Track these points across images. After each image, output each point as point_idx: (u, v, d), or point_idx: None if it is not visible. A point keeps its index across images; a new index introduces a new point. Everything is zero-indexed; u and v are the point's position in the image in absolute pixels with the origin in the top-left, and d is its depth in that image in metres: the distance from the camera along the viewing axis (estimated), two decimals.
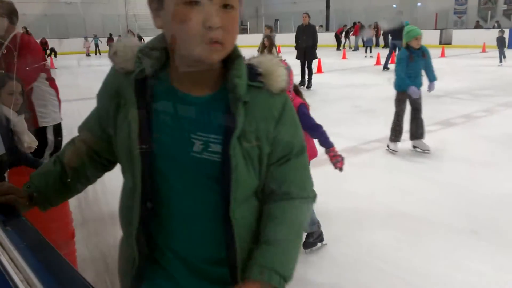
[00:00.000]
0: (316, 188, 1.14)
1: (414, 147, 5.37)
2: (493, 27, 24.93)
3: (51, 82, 3.53)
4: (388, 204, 3.84)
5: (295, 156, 1.07)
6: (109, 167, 1.23)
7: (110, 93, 1.04)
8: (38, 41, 23.20)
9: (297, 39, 10.88)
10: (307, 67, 11.02)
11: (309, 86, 10.87)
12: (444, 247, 3.10)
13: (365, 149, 5.58)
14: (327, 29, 31.27)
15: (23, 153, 2.58)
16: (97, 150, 1.16)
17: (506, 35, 16.06)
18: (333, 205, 3.66)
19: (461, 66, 15.19)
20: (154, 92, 0.98)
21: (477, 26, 25.98)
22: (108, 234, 3.26)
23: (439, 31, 27.09)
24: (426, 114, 7.60)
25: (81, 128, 1.19)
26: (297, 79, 10.21)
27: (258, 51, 10.16)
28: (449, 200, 3.93)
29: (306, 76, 11.08)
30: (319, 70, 13.82)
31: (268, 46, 9.84)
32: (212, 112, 0.98)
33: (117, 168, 1.15)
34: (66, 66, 19.34)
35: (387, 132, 6.32)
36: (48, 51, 22.98)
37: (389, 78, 13.09)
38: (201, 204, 1.02)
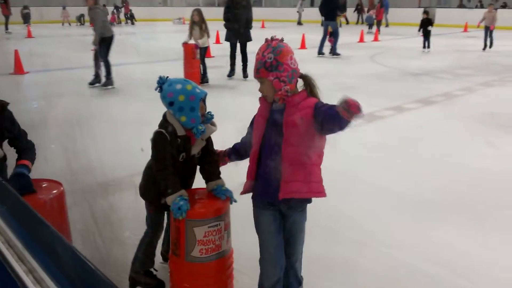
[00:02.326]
0: None
1: None
2: (476, 7, 25.08)
3: None
4: (367, 179, 3.92)
5: None
6: None
7: None
8: (19, 9, 22.43)
9: (227, 16, 8.60)
10: (241, 52, 8.70)
11: (245, 76, 8.77)
12: (422, 221, 3.19)
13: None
14: (312, 4, 30.93)
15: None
16: None
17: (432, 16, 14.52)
18: None
19: (443, 45, 15.31)
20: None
21: (460, 5, 26.07)
22: (96, 203, 3.25)
23: (422, 9, 27.08)
24: (406, 92, 7.74)
25: None
26: (223, 69, 9.07)
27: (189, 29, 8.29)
28: (428, 175, 4.03)
29: (240, 64, 8.80)
30: (303, 46, 13.75)
31: (197, 21, 8.11)
32: None
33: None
34: (44, 35, 18.69)
35: (369, 109, 6.40)
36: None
37: (371, 55, 13.17)
38: None
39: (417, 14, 25.85)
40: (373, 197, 3.59)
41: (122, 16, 28.31)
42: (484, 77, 9.16)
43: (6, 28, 19.80)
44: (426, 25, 13.34)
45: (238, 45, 8.67)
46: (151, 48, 14.04)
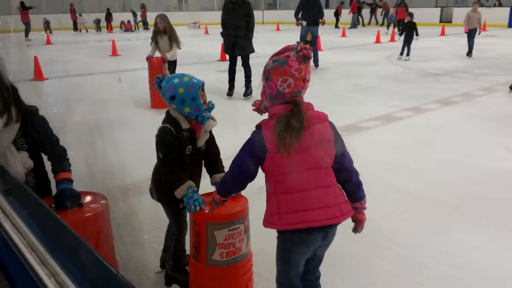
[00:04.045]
0: None
1: None
2: (494, 6, 24.64)
3: None
4: (385, 180, 3.87)
5: None
6: None
7: None
8: (35, 16, 23.10)
9: (224, 24, 7.19)
10: (243, 65, 7.30)
11: (245, 94, 7.34)
12: (440, 222, 3.14)
13: (364, 127, 5.58)
14: (326, 6, 30.81)
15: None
16: None
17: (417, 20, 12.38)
18: None
19: (461, 44, 15.05)
20: None
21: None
22: (116, 206, 3.28)
23: (439, 9, 26.77)
24: (424, 92, 7.63)
25: None
26: (223, 85, 7.56)
27: (152, 40, 6.80)
28: (446, 176, 3.96)
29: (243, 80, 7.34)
30: (319, 48, 13.71)
31: (163, 30, 6.62)
32: None
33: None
34: (62, 42, 19.09)
35: (386, 110, 6.34)
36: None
37: (388, 56, 13.02)
38: None
39: (435, 14, 25.70)
40: (392, 198, 3.54)
41: (137, 20, 28.77)
42: (503, 76, 8.98)
43: (26, 35, 20.26)
44: (409, 29, 11.65)
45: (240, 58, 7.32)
46: None
